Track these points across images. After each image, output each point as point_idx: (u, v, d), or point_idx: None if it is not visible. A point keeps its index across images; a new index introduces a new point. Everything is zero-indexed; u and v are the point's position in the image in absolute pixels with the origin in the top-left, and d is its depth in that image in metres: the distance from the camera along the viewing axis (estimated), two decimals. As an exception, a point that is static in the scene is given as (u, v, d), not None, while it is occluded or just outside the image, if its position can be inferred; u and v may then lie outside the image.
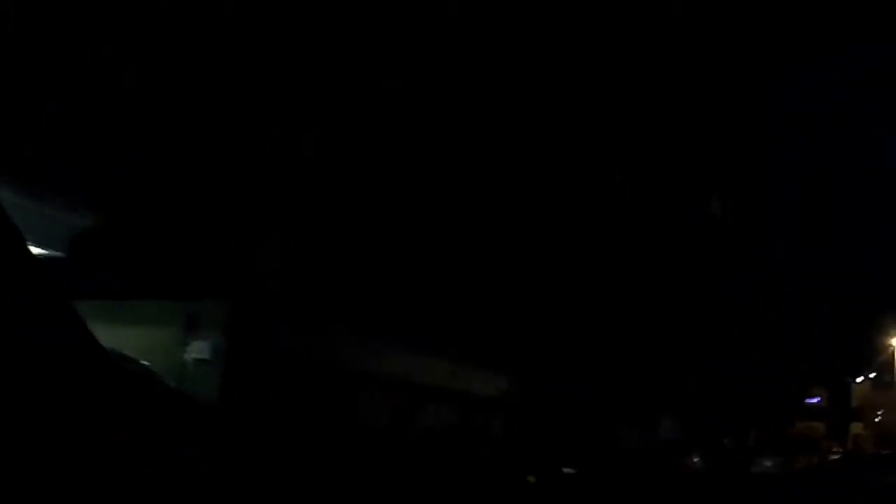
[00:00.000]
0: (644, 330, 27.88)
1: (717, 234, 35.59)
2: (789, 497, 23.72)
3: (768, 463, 32.65)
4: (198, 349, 13.54)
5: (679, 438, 30.89)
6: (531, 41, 20.36)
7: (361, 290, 16.27)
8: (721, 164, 36.12)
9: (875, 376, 44.05)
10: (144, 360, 10.02)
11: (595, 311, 25.00)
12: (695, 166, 33.67)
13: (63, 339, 3.00)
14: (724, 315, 35.56)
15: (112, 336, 5.67)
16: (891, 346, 42.38)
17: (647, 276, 28.12)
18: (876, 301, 42.78)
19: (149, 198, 12.36)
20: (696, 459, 29.34)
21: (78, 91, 11.35)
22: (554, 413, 22.54)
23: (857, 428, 42.84)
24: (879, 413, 43.48)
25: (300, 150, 14.16)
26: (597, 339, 24.97)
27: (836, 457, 39.10)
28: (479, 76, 18.64)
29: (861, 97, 44.15)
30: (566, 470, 16.59)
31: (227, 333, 13.74)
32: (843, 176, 45.21)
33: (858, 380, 45.08)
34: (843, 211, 43.60)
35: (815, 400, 43.53)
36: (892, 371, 42.43)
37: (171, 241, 12.27)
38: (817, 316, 41.78)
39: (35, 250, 4.67)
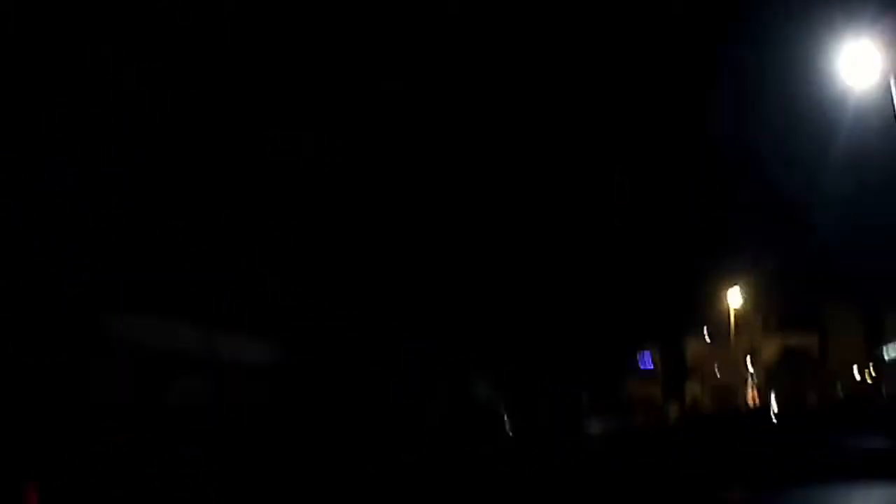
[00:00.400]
0: (462, 288, 26.37)
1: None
2: (627, 458, 21.71)
3: (600, 424, 30.13)
4: None
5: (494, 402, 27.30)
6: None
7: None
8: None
9: (709, 334, 42.18)
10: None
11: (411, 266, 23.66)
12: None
13: None
14: (546, 273, 32.35)
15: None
16: (724, 302, 40.40)
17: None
18: (708, 256, 40.88)
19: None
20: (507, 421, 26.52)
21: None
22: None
23: (693, 387, 40.96)
24: (716, 371, 41.71)
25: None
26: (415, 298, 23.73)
27: (673, 415, 37.13)
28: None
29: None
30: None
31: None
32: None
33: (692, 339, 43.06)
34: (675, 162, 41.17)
35: (649, 360, 41.19)
36: (728, 328, 40.50)
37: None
38: (646, 272, 39.12)
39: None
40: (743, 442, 22.92)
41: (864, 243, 42.78)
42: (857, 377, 46.59)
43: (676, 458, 20.60)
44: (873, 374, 46.50)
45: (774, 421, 34.15)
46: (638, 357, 40.60)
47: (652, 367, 40.73)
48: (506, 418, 26.07)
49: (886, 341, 45.45)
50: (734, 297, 41.09)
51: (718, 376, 41.99)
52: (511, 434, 25.71)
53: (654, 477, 15.11)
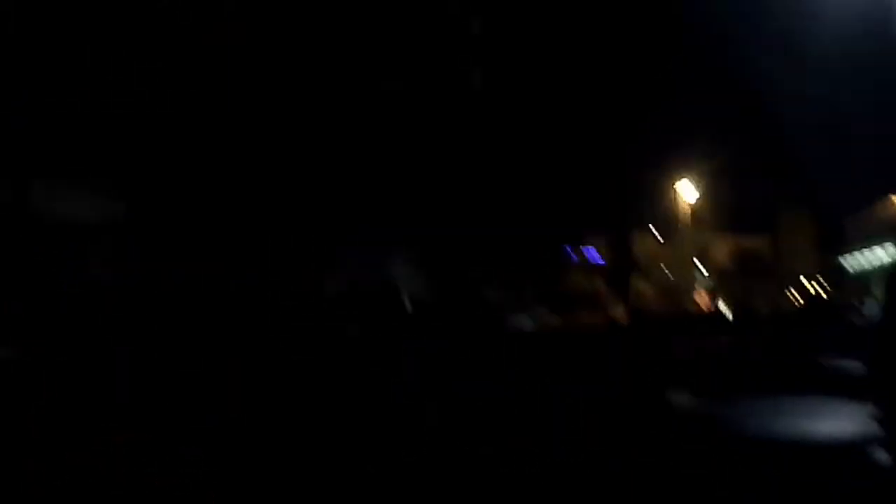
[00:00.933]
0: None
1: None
2: (566, 356, 18.47)
3: (528, 320, 26.51)
4: None
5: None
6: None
7: None
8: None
9: (658, 231, 38.67)
10: None
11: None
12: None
13: None
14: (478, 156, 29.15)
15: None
16: (673, 192, 36.86)
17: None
18: (658, 144, 37.32)
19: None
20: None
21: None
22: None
23: (639, 283, 37.63)
24: (663, 268, 38.45)
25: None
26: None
27: (619, 313, 33.72)
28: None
29: None
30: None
31: None
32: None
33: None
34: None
35: (592, 253, 37.68)
36: (676, 221, 36.99)
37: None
38: (589, 157, 35.33)
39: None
40: (693, 347, 20.60)
41: (830, 144, 39.55)
42: (811, 288, 43.87)
43: (621, 360, 18.01)
44: (826, 286, 43.72)
45: (727, 327, 31.70)
46: (581, 250, 37.03)
47: (602, 262, 37.19)
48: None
49: (844, 251, 42.56)
50: (686, 192, 37.62)
51: (668, 275, 38.71)
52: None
53: (591, 380, 12.70)
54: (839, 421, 7.87)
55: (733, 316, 35.71)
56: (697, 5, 36.01)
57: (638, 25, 35.52)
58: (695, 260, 39.11)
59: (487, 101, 30.44)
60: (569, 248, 37.76)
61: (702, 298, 37.80)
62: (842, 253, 42.58)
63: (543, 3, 31.55)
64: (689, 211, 37.59)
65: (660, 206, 37.29)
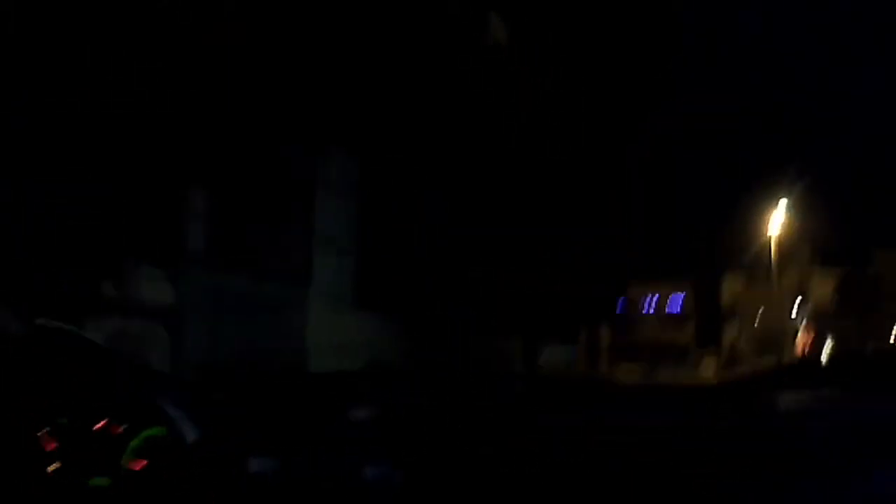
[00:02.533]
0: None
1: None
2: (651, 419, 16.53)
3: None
4: None
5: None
6: None
7: None
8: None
9: (747, 270, 34.66)
10: None
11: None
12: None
13: None
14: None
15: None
16: (766, 232, 32.90)
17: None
18: (739, 175, 33.82)
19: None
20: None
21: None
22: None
23: (731, 333, 33.73)
24: (757, 314, 34.56)
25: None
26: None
27: (708, 368, 30.09)
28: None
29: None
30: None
31: None
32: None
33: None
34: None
35: (678, 300, 34.00)
36: (769, 263, 32.93)
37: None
38: (673, 195, 32.11)
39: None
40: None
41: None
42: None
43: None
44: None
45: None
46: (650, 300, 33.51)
47: (679, 310, 33.47)
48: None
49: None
50: (775, 225, 33.48)
51: (760, 321, 34.73)
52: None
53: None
54: None
55: (837, 360, 31.81)
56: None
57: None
58: (791, 300, 35.00)
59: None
60: (648, 299, 34.35)
61: (803, 342, 33.50)
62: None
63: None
64: (781, 245, 33.49)
65: (748, 244, 33.32)
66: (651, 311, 33.81)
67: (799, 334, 34.32)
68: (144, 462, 3.96)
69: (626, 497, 8.35)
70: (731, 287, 35.11)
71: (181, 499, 4.00)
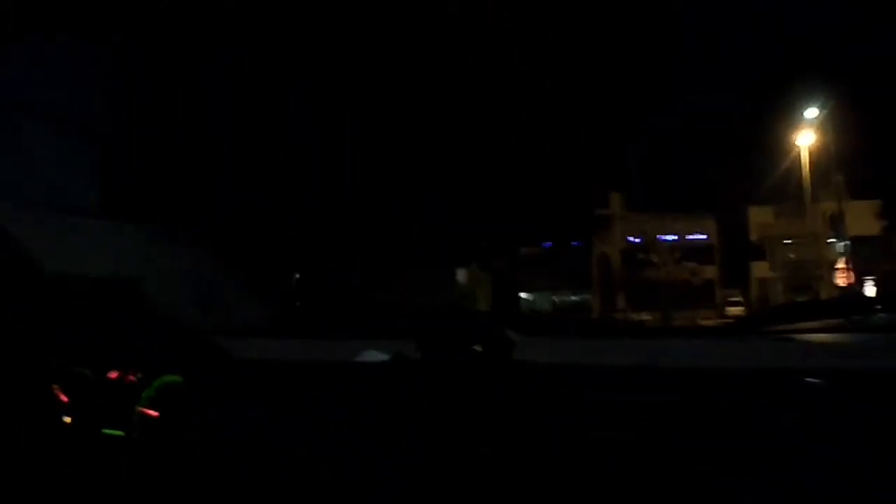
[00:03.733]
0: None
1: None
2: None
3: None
4: None
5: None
6: None
7: None
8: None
9: (778, 198, 30.87)
10: None
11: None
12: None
13: None
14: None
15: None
16: (796, 147, 28.85)
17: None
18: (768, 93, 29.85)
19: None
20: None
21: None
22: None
23: (761, 269, 30.16)
24: (790, 248, 30.95)
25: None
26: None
27: (735, 310, 26.65)
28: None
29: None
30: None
31: None
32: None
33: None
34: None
35: (701, 236, 30.56)
36: (801, 188, 29.15)
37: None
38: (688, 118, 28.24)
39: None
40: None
41: None
42: None
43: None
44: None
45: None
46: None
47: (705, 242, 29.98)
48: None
49: None
50: (806, 145, 29.50)
51: (792, 254, 31.11)
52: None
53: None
54: None
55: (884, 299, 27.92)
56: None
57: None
58: (824, 230, 31.25)
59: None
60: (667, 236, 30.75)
61: (843, 276, 29.78)
62: None
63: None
64: (813, 171, 29.66)
65: (776, 166, 29.48)
66: (670, 247, 30.39)
67: (838, 271, 30.53)
68: (157, 412, 3.57)
69: (626, 496, 6.10)
70: (758, 218, 31.45)
71: (194, 448, 3.69)
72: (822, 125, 26.76)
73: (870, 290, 29.67)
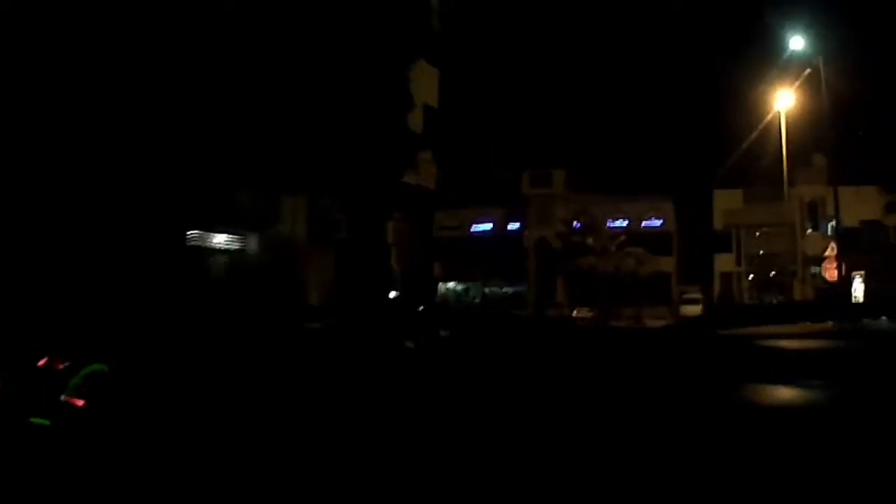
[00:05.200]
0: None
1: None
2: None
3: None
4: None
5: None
6: None
7: None
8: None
9: (748, 179, 26.19)
10: None
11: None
12: None
13: None
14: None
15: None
16: (773, 112, 23.62)
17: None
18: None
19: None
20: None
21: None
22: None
23: (725, 262, 25.70)
24: (760, 238, 26.50)
25: None
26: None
27: (692, 308, 22.21)
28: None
29: None
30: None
31: None
32: None
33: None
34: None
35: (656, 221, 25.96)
36: (778, 168, 24.17)
37: None
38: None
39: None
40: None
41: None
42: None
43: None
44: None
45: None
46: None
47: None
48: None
49: None
50: (785, 109, 24.20)
51: (763, 246, 26.64)
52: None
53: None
54: None
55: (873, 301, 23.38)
56: None
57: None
58: (802, 219, 26.64)
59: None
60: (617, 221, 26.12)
61: (828, 270, 25.08)
62: None
63: None
64: (790, 149, 24.55)
65: (744, 138, 24.54)
66: (623, 236, 25.87)
67: (823, 264, 25.61)
68: (83, 401, 3.82)
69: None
70: (724, 203, 26.88)
71: (121, 436, 3.65)
72: (807, 84, 21.53)
73: (858, 286, 25.06)
